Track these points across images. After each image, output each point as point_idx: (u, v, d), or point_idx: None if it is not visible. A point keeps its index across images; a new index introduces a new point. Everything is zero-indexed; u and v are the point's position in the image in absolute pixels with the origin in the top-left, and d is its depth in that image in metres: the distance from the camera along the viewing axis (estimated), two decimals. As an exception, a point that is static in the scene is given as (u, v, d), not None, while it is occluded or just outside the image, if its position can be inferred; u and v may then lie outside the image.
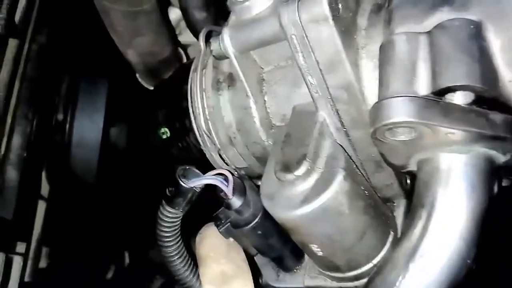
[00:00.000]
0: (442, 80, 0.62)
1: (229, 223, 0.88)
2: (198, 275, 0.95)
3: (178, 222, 0.92)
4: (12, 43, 1.15)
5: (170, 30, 1.39)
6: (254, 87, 0.87)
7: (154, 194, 0.95)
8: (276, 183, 0.77)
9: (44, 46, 1.29)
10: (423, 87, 0.64)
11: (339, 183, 0.73)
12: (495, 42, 0.64)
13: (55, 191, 1.39)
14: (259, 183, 0.83)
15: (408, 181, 0.88)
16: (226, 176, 0.86)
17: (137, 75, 1.44)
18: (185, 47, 1.47)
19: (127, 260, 1.64)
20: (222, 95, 0.92)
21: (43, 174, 1.38)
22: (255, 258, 0.97)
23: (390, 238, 0.82)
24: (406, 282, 0.66)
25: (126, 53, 1.33)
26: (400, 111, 0.63)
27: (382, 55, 0.69)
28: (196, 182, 0.87)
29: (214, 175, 0.87)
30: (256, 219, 0.87)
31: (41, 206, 1.34)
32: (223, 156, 0.98)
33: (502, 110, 0.63)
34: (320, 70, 0.74)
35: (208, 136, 0.96)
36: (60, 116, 1.39)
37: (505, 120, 0.63)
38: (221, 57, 0.86)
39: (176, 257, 0.94)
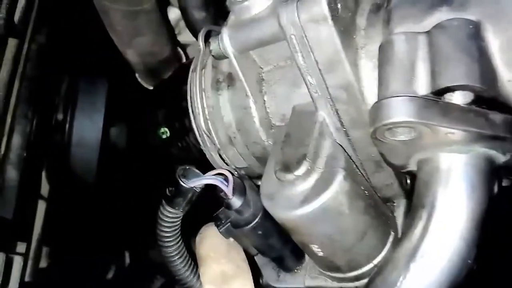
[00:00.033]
0: (441, 80, 0.62)
1: (229, 223, 0.88)
2: (198, 275, 0.95)
3: (178, 222, 0.92)
4: (12, 43, 1.16)
5: (169, 30, 1.39)
6: (253, 87, 0.87)
7: (154, 194, 0.95)
8: (276, 183, 0.77)
9: (43, 46, 1.29)
10: (423, 87, 0.64)
11: (339, 183, 0.73)
12: (494, 42, 0.64)
13: (55, 190, 1.39)
14: (259, 183, 0.83)
15: (408, 181, 0.88)
16: (226, 176, 0.86)
17: (137, 75, 1.44)
18: (184, 47, 1.47)
19: (127, 260, 1.64)
20: (222, 95, 0.92)
21: (43, 174, 1.38)
22: (255, 258, 0.97)
23: (391, 238, 0.82)
24: (407, 282, 0.66)
25: (125, 53, 1.33)
26: (399, 111, 0.63)
27: (381, 55, 0.69)
28: (196, 182, 0.87)
29: (214, 175, 0.87)
30: (256, 219, 0.87)
31: (41, 206, 1.34)
32: (223, 156, 0.98)
33: (502, 110, 0.63)
34: (320, 70, 0.74)
35: (207, 136, 0.96)
36: (60, 116, 1.39)
37: (505, 119, 0.63)
38: (221, 57, 0.86)
39: (176, 257, 0.94)
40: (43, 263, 1.34)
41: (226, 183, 0.86)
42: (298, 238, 0.81)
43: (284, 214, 0.76)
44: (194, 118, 0.97)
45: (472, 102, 0.63)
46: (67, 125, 1.38)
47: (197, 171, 0.88)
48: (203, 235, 0.97)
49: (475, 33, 0.63)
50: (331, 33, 0.70)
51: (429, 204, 0.66)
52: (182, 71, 1.04)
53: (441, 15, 0.66)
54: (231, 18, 0.84)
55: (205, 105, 0.95)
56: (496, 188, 0.68)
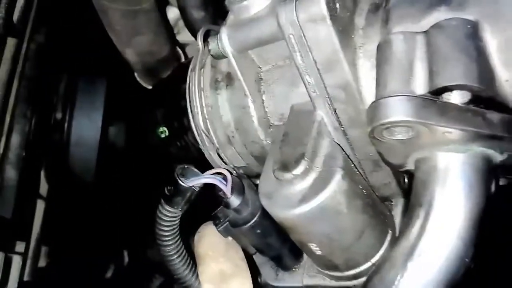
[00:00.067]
0: (439, 80, 0.62)
1: (227, 222, 0.88)
2: (197, 274, 0.95)
3: (177, 221, 0.92)
4: (11, 42, 1.16)
5: (168, 29, 1.39)
6: (252, 86, 0.87)
7: (153, 193, 0.95)
8: (274, 182, 0.77)
9: (42, 45, 1.29)
10: (420, 86, 0.64)
11: (337, 182, 0.73)
12: (491, 42, 0.64)
13: (54, 190, 1.39)
14: (258, 182, 0.83)
15: (406, 180, 0.88)
16: (225, 175, 0.86)
17: (136, 74, 1.44)
18: (183, 46, 1.47)
19: (126, 259, 1.64)
20: (220, 94, 0.92)
21: (42, 173, 1.38)
22: (253, 257, 0.97)
23: (389, 237, 0.83)
24: (405, 281, 0.66)
25: (124, 52, 1.33)
26: (397, 110, 0.63)
27: (379, 54, 0.69)
28: (195, 181, 0.87)
29: (212, 174, 0.87)
30: (255, 218, 0.87)
31: (40, 205, 1.34)
32: (222, 155, 0.98)
33: (499, 110, 0.63)
34: (318, 69, 0.74)
35: (206, 135, 0.96)
36: (59, 115, 1.39)
37: (502, 119, 0.63)
38: (219, 56, 0.86)
39: (175, 256, 0.94)
40: (42, 263, 1.34)
41: (224, 182, 0.86)
42: (296, 237, 0.81)
43: (282, 213, 0.76)
44: (193, 118, 0.97)
45: (470, 101, 0.63)
46: (66, 125, 1.38)
47: (195, 170, 0.88)
48: (201, 234, 0.97)
49: (473, 33, 0.63)
50: (330, 33, 0.70)
51: (427, 203, 0.66)
52: (181, 71, 1.04)
53: (440, 14, 0.66)
54: (230, 17, 0.85)
55: (203, 105, 0.95)
56: (493, 187, 0.69)
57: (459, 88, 0.62)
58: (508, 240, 1.14)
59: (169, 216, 0.91)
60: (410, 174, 0.73)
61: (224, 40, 0.83)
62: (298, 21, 0.71)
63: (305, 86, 0.77)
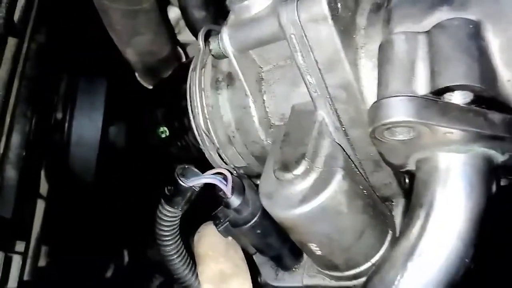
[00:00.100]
0: (440, 80, 0.62)
1: (228, 222, 0.88)
2: (197, 274, 0.95)
3: (177, 221, 0.92)
4: (11, 42, 1.15)
5: (169, 29, 1.39)
6: (253, 86, 0.87)
7: (153, 193, 0.95)
8: (275, 182, 0.77)
9: (43, 45, 1.29)
10: (422, 86, 0.64)
11: (338, 182, 0.73)
12: (494, 42, 0.64)
13: (54, 190, 1.39)
14: (258, 182, 0.83)
15: (407, 180, 0.88)
16: (225, 175, 0.86)
17: (136, 74, 1.44)
18: (184, 46, 1.47)
19: (126, 259, 1.64)
20: (221, 94, 0.92)
21: (42, 173, 1.38)
22: (253, 257, 0.97)
23: (389, 237, 0.83)
24: (405, 281, 0.66)
25: (125, 52, 1.33)
26: (399, 110, 0.63)
27: (381, 54, 0.69)
28: (195, 181, 0.87)
29: (213, 174, 0.87)
30: (255, 218, 0.87)
31: (40, 205, 1.34)
32: (222, 155, 0.98)
33: (501, 110, 0.63)
34: (319, 69, 0.74)
35: (207, 135, 0.96)
36: (59, 115, 1.39)
37: (504, 119, 0.63)
38: (220, 56, 0.86)
39: (175, 256, 0.94)
40: (42, 262, 1.34)
41: (225, 182, 0.86)
42: (296, 237, 0.81)
43: (282, 213, 0.76)
44: (194, 117, 0.97)
45: (472, 102, 0.63)
46: (66, 124, 1.38)
47: (196, 170, 0.88)
48: (201, 233, 0.97)
49: (475, 32, 0.63)
50: (331, 33, 0.70)
51: (428, 203, 0.66)
52: (182, 71, 1.04)
53: (441, 14, 0.66)
54: (231, 17, 0.85)
55: (204, 104, 0.95)
56: (494, 188, 0.69)
57: (460, 88, 0.62)
58: (508, 240, 1.14)
59: (169, 216, 0.90)
60: (411, 175, 0.73)
61: (225, 40, 0.83)
62: (300, 21, 0.71)
63: (306, 86, 0.77)
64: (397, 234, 0.84)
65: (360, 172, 0.83)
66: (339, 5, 0.71)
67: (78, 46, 1.42)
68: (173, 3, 1.38)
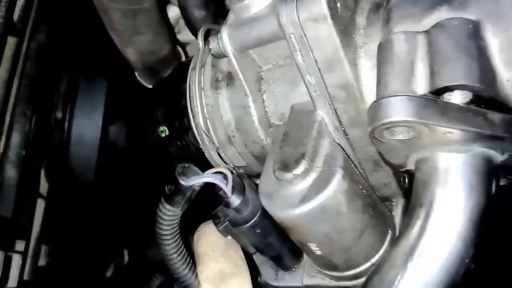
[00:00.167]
0: (440, 80, 0.62)
1: (227, 222, 0.88)
2: (197, 273, 0.95)
3: (177, 220, 0.92)
4: (11, 41, 1.16)
5: (169, 29, 1.39)
6: (252, 85, 0.87)
7: (153, 193, 0.95)
8: (274, 182, 0.77)
9: (43, 44, 1.29)
10: (421, 86, 0.64)
11: (337, 182, 0.73)
12: (493, 42, 0.64)
13: (54, 189, 1.39)
14: (258, 181, 0.83)
15: (407, 180, 0.88)
16: (225, 175, 0.86)
17: (136, 73, 1.44)
18: (184, 46, 1.47)
19: (126, 258, 1.64)
20: (221, 94, 0.92)
21: (42, 173, 1.38)
22: (253, 256, 0.97)
23: (388, 237, 0.83)
24: (404, 281, 0.66)
25: (125, 52, 1.33)
26: (398, 110, 0.63)
27: (380, 54, 0.69)
28: (195, 180, 0.87)
29: (213, 173, 0.87)
30: (255, 218, 0.87)
31: (40, 205, 1.34)
32: (222, 154, 0.98)
33: (500, 110, 0.63)
34: (319, 69, 0.74)
35: (206, 135, 0.96)
36: (59, 114, 1.39)
37: (503, 119, 0.63)
38: (220, 55, 0.86)
39: (175, 255, 0.94)
40: (42, 262, 1.34)
41: (225, 182, 0.86)
42: (296, 237, 0.81)
43: (282, 213, 0.76)
44: (193, 117, 0.97)
45: (471, 101, 0.63)
46: (66, 124, 1.38)
47: (196, 169, 0.88)
48: (201, 233, 0.97)
49: (475, 32, 0.63)
50: (331, 32, 0.70)
51: (427, 203, 0.66)
52: (182, 70, 1.04)
53: (441, 14, 0.66)
54: (231, 17, 0.85)
55: (204, 104, 0.95)
56: (494, 188, 0.68)
57: (460, 88, 0.62)
58: (508, 240, 1.14)
59: (169, 215, 0.91)
60: (411, 174, 0.73)
61: (225, 39, 0.83)
62: (299, 21, 0.71)
63: (306, 86, 0.77)
64: (397, 234, 0.84)
65: (359, 172, 0.83)
66: (338, 4, 0.71)
67: (78, 45, 1.42)
68: (173, 2, 1.38)
